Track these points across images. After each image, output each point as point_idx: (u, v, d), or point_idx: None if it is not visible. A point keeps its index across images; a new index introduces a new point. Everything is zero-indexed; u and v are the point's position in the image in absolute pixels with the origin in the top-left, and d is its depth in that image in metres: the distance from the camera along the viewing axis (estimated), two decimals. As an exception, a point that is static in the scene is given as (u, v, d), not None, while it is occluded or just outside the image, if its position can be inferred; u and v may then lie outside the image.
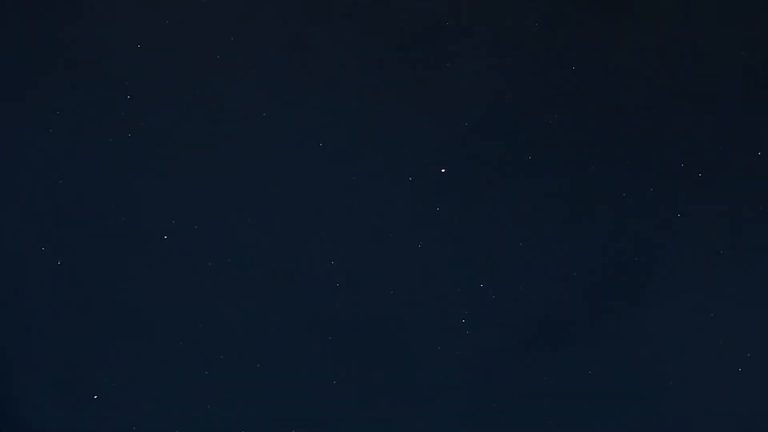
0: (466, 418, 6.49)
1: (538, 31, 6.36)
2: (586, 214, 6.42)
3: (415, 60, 6.38)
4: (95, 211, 6.39)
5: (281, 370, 6.49)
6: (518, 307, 6.49)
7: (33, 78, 6.32)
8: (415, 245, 6.47)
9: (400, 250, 6.47)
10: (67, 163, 6.36)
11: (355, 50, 6.40)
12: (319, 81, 6.41)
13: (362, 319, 6.50)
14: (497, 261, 6.48)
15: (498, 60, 6.40)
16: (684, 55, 6.38)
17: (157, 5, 6.35)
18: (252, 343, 6.49)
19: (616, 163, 6.40)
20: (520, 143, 6.44)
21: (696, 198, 6.41)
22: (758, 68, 6.36)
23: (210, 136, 6.40)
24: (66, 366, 6.44)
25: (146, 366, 6.44)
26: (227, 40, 6.37)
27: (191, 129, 6.39)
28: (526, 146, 6.43)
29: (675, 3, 6.33)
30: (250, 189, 6.45)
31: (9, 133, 6.33)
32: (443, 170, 6.44)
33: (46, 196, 6.36)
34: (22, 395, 6.40)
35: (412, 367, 6.50)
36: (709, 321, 6.47)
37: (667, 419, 6.46)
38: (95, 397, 6.45)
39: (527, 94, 6.42)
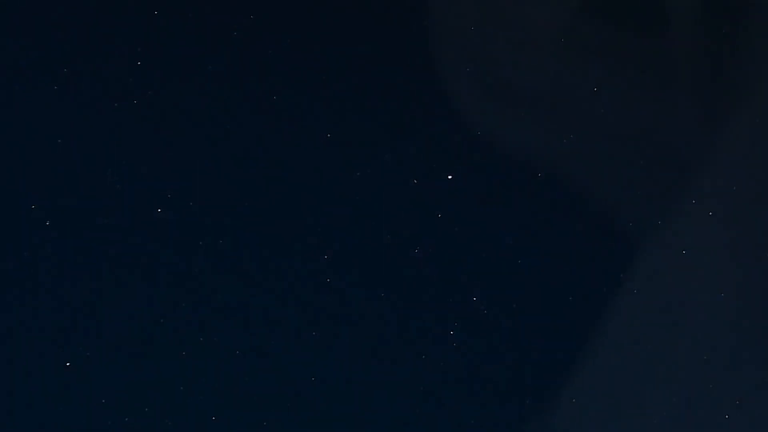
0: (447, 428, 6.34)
1: (556, 44, 6.36)
2: (590, 233, 6.34)
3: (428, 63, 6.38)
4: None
5: (265, 368, 6.35)
6: (510, 324, 6.36)
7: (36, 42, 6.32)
8: (411, 249, 6.37)
9: (397, 253, 6.37)
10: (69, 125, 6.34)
11: (364, 51, 6.40)
12: (327, 79, 6.40)
13: (351, 319, 6.38)
14: (494, 275, 6.37)
15: (513, 69, 6.39)
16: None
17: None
18: (238, 338, 6.36)
19: (626, 183, 6.35)
20: (531, 160, 6.39)
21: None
22: None
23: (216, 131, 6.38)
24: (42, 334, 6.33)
25: (120, 338, 6.32)
26: (234, 29, 6.38)
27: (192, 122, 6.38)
28: (537, 163, 6.38)
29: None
30: (251, 185, 6.39)
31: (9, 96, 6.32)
32: (450, 176, 6.37)
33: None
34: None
35: (396, 372, 6.36)
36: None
37: None
38: (67, 364, 6.30)
39: (540, 110, 6.39)
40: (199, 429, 6.28)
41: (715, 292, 6.36)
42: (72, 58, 6.31)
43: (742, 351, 6.35)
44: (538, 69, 6.40)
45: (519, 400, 6.35)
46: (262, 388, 6.32)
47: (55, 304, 6.30)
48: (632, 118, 6.41)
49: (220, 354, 6.32)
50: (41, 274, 6.29)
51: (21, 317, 6.27)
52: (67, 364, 6.27)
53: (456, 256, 6.38)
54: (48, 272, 6.30)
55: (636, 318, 6.35)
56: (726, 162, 6.39)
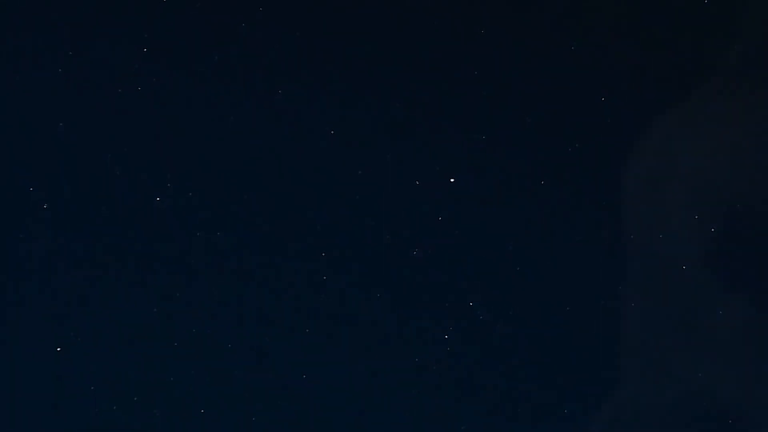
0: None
1: (564, 52, 6.33)
2: (591, 241, 6.30)
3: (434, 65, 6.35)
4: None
5: (257, 363, 6.31)
6: (505, 330, 6.32)
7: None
8: (410, 250, 6.33)
9: (396, 253, 6.33)
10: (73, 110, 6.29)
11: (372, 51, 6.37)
12: (332, 77, 6.35)
13: (345, 318, 6.34)
14: (491, 282, 6.33)
15: (521, 76, 6.35)
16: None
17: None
18: (231, 332, 6.32)
19: (629, 192, 6.31)
20: (537, 169, 6.35)
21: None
22: None
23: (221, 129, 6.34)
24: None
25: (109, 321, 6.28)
26: (242, 22, 6.33)
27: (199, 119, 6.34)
28: (542, 172, 6.34)
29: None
30: (252, 179, 6.35)
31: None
32: (452, 180, 6.33)
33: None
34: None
35: (388, 373, 6.32)
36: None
37: None
38: (59, 349, 6.25)
39: (550, 119, 6.36)
40: (188, 420, 6.25)
41: (713, 308, 6.34)
42: (78, 44, 6.27)
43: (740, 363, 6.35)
44: (541, 73, 6.37)
45: (512, 405, 6.32)
46: (252, 383, 6.29)
47: (49, 289, 6.27)
48: (635, 126, 6.38)
49: (213, 347, 6.28)
50: (37, 258, 6.26)
51: (15, 300, 6.24)
52: (58, 349, 6.24)
53: (455, 259, 6.34)
54: (44, 257, 6.27)
55: (633, 327, 6.33)
56: (727, 178, 6.36)
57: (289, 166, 6.34)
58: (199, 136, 6.32)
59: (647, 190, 6.38)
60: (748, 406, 6.27)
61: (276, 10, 6.35)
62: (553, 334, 6.33)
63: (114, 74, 6.25)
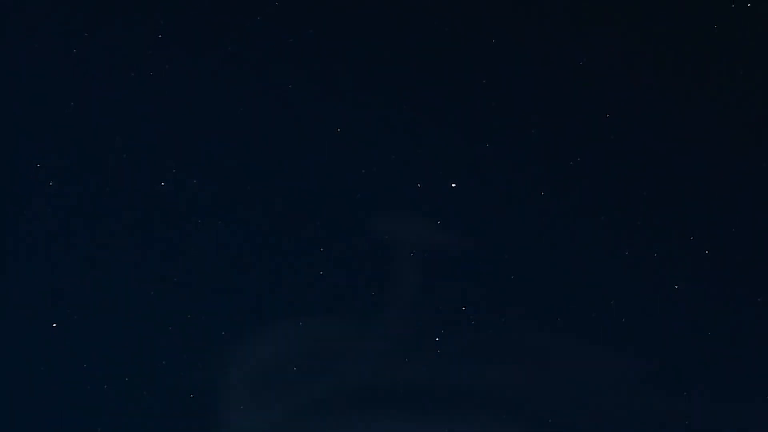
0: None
1: (571, 64, 6.34)
2: (589, 250, 6.31)
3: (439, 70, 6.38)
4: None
5: (250, 355, 6.35)
6: (497, 340, 6.33)
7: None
8: (407, 252, 6.36)
9: (393, 253, 6.36)
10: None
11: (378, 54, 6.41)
12: (340, 76, 6.39)
13: (339, 314, 6.38)
14: (486, 289, 6.35)
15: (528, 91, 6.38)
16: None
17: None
18: (226, 321, 6.37)
19: (638, 203, 6.33)
20: (538, 178, 6.37)
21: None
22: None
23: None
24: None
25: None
26: (257, 15, 6.38)
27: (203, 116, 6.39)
28: (543, 182, 6.36)
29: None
30: (255, 174, 6.39)
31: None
32: (453, 185, 6.36)
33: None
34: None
35: (380, 374, 6.35)
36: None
37: None
38: (54, 325, 6.31)
39: (556, 131, 6.38)
40: (178, 403, 6.29)
41: (705, 328, 6.34)
42: (92, 28, 6.33)
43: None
44: (547, 83, 6.39)
45: (506, 407, 6.33)
46: (245, 373, 6.32)
47: (49, 266, 6.33)
48: (638, 139, 6.39)
49: (206, 333, 6.32)
50: (39, 235, 6.33)
51: (14, 275, 6.30)
52: (54, 325, 6.29)
53: (452, 263, 6.36)
54: (46, 234, 6.33)
55: (626, 341, 6.33)
56: (725, 201, 6.37)
57: (293, 162, 6.39)
58: (206, 126, 6.38)
59: (647, 203, 6.38)
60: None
61: (291, 8, 6.41)
62: (550, 337, 6.33)
63: (127, 59, 6.32)
